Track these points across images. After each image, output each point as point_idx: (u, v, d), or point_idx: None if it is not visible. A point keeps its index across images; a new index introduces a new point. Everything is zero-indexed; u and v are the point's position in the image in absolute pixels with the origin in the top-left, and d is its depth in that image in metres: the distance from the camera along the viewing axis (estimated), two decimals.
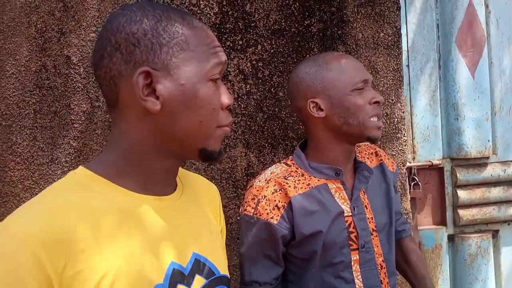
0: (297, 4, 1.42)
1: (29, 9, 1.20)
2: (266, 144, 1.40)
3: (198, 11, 1.33)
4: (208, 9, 1.34)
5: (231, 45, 1.36)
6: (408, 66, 1.66)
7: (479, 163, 1.73)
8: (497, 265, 1.75)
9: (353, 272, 1.03)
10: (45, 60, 1.21)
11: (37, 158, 1.20)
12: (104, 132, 1.25)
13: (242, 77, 1.37)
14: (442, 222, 1.71)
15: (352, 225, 1.04)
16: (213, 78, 0.65)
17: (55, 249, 0.55)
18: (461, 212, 1.69)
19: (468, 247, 1.68)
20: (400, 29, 1.50)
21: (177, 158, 0.69)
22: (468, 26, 1.68)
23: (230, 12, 1.36)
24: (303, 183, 1.04)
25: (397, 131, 1.50)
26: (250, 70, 1.38)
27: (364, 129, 1.03)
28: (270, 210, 1.01)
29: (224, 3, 1.36)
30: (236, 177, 1.37)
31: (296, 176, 1.05)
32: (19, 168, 1.19)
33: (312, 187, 1.04)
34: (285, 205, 1.02)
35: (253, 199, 1.04)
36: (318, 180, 1.05)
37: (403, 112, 1.52)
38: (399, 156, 1.51)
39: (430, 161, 1.67)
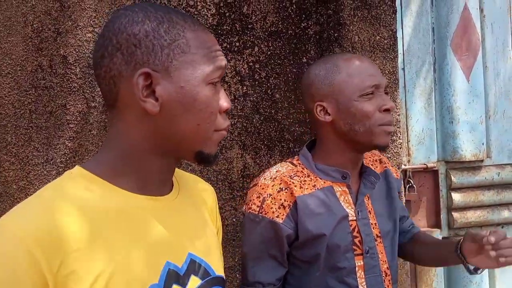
0: (294, 7, 1.43)
1: (26, 8, 1.19)
2: (263, 146, 1.40)
3: (195, 12, 1.33)
4: (205, 11, 1.34)
5: (228, 46, 1.36)
6: (403, 69, 1.67)
7: (474, 166, 1.74)
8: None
9: (357, 278, 1.01)
10: (41, 60, 1.21)
11: (32, 158, 1.20)
12: (100, 133, 1.24)
13: (239, 78, 1.37)
14: (437, 224, 1.72)
15: (356, 230, 1.02)
16: (213, 82, 0.65)
17: (51, 248, 0.56)
18: (456, 214, 1.70)
19: None
20: (396, 32, 1.51)
21: (174, 159, 0.69)
22: (463, 30, 1.70)
23: (227, 14, 1.36)
24: (309, 184, 1.03)
25: (392, 133, 1.51)
26: (247, 71, 1.38)
27: (372, 136, 1.00)
28: (275, 209, 0.99)
29: (221, 5, 1.36)
30: (232, 179, 1.37)
31: (301, 177, 1.03)
32: (14, 168, 1.19)
33: (317, 188, 1.02)
34: (291, 204, 1.00)
35: (258, 197, 1.01)
36: (324, 182, 1.03)
37: (399, 115, 1.53)
38: (394, 158, 1.52)
39: (425, 164, 1.68)
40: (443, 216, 1.71)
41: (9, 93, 1.19)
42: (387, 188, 1.12)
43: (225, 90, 1.34)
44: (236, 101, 1.37)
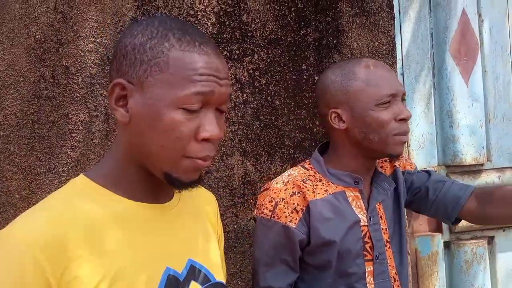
0: (293, 14, 1.44)
1: (28, 20, 1.21)
2: (263, 152, 1.41)
3: (196, 22, 1.35)
4: (205, 20, 1.36)
5: (228, 54, 1.37)
6: (402, 74, 1.68)
7: (474, 170, 1.74)
8: (493, 272, 1.76)
9: (367, 284, 1.00)
10: (44, 71, 1.22)
11: (34, 167, 1.21)
12: (101, 142, 1.26)
13: (239, 86, 1.39)
14: (438, 229, 1.72)
15: (367, 235, 1.01)
16: (186, 108, 0.62)
17: (55, 255, 0.58)
18: None
19: (464, 254, 1.69)
20: (394, 38, 1.52)
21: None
22: (461, 35, 1.71)
23: (227, 23, 1.38)
24: (321, 188, 1.01)
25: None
26: (247, 79, 1.39)
27: (386, 146, 0.98)
28: (288, 213, 0.98)
29: (221, 14, 1.37)
30: (233, 186, 1.38)
31: (314, 181, 1.02)
32: (16, 178, 1.20)
33: (329, 193, 1.01)
34: (304, 208, 0.98)
35: (271, 201, 1.00)
36: (336, 187, 1.02)
37: None
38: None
39: (425, 168, 1.68)
40: None
41: (12, 104, 1.20)
42: (396, 192, 1.10)
43: None
44: (236, 108, 1.38)
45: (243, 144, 1.39)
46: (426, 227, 1.72)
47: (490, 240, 1.76)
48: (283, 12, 1.43)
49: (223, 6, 1.38)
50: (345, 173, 1.02)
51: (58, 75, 1.23)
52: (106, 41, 1.26)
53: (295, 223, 0.97)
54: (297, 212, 0.98)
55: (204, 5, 1.36)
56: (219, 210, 0.88)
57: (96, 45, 1.26)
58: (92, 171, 0.70)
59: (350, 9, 1.46)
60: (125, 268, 0.62)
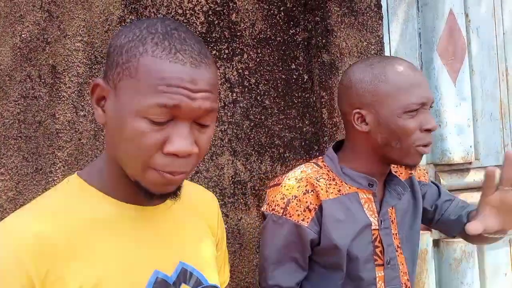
0: (282, 14, 1.44)
1: (14, 18, 1.19)
2: (253, 152, 1.41)
3: (185, 21, 1.34)
4: (194, 19, 1.35)
5: (217, 54, 1.37)
6: None
7: (462, 168, 1.76)
8: (481, 269, 1.78)
9: None
10: (30, 70, 1.21)
11: (21, 168, 1.19)
12: (89, 142, 1.24)
13: (229, 85, 1.38)
14: (427, 227, 1.73)
15: (378, 240, 0.98)
16: (150, 119, 0.58)
17: (40, 256, 0.58)
18: None
19: (453, 252, 1.71)
20: (382, 38, 1.53)
21: None
22: (449, 35, 1.73)
23: (216, 22, 1.38)
24: (334, 188, 0.98)
25: None
26: (236, 78, 1.39)
27: (405, 155, 0.94)
28: (301, 211, 0.95)
29: (210, 13, 1.37)
30: (223, 185, 1.37)
31: (327, 180, 0.98)
32: (2, 178, 1.18)
33: (342, 194, 0.98)
34: (316, 207, 0.95)
35: (282, 198, 0.96)
36: (349, 188, 0.99)
37: None
38: None
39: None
40: None
41: None
42: (412, 198, 1.07)
43: None
44: (226, 107, 1.38)
45: (233, 144, 1.39)
46: None
47: None
48: (272, 11, 1.43)
49: (212, 5, 1.37)
50: (360, 175, 0.99)
51: (44, 75, 1.21)
52: (93, 40, 1.25)
53: (307, 222, 0.95)
54: (310, 210, 0.95)
55: (192, 4, 1.35)
56: None
57: (84, 44, 1.25)
58: (85, 170, 0.69)
59: (338, 9, 1.47)
60: (110, 272, 0.61)
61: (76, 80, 1.24)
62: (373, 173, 1.00)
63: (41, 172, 1.20)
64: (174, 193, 0.64)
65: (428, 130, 0.94)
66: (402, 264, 1.02)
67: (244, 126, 1.40)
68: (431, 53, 1.72)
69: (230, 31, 1.39)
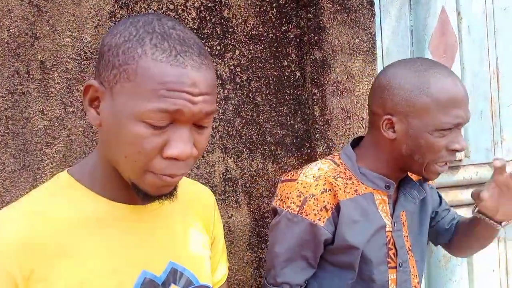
0: (274, 11, 1.43)
1: (2, 13, 1.17)
2: (244, 149, 1.40)
3: (176, 16, 1.33)
4: (185, 14, 1.34)
5: (209, 50, 1.36)
6: None
7: (452, 165, 1.77)
8: (470, 266, 1.79)
9: None
10: (18, 65, 1.19)
11: (8, 165, 1.18)
12: (78, 139, 1.23)
13: (220, 82, 1.38)
14: None
15: (391, 242, 0.98)
16: (150, 123, 0.57)
17: (24, 255, 0.57)
18: None
19: (442, 249, 1.72)
20: (374, 35, 1.53)
21: None
22: (441, 33, 1.73)
23: (207, 18, 1.36)
24: (351, 187, 0.96)
25: None
26: (228, 75, 1.38)
27: (425, 170, 0.93)
28: (317, 211, 0.93)
29: (202, 9, 1.36)
30: (214, 182, 1.37)
31: (344, 179, 0.97)
32: None
33: (359, 194, 0.96)
34: (333, 207, 0.94)
35: (299, 196, 0.94)
36: (366, 188, 0.97)
37: None
38: None
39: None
40: None
41: None
42: (423, 202, 1.07)
43: None
44: (217, 104, 1.37)
45: (224, 141, 1.38)
46: None
47: None
48: (264, 8, 1.42)
49: (203, 1, 1.36)
50: (377, 176, 0.97)
51: (33, 70, 1.20)
52: (83, 35, 1.24)
53: (323, 222, 0.93)
54: (327, 210, 0.93)
55: (184, 0, 1.34)
56: None
57: (73, 39, 1.23)
58: (76, 167, 0.68)
59: (331, 6, 1.46)
60: (96, 272, 0.61)
61: (65, 76, 1.22)
62: (390, 175, 0.98)
63: (28, 169, 1.19)
64: (171, 194, 0.64)
65: (455, 150, 0.92)
66: (413, 266, 1.01)
67: (236, 123, 1.39)
68: (423, 51, 1.72)
69: (222, 27, 1.38)
